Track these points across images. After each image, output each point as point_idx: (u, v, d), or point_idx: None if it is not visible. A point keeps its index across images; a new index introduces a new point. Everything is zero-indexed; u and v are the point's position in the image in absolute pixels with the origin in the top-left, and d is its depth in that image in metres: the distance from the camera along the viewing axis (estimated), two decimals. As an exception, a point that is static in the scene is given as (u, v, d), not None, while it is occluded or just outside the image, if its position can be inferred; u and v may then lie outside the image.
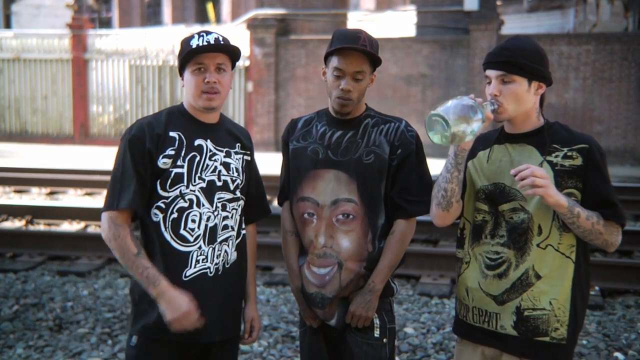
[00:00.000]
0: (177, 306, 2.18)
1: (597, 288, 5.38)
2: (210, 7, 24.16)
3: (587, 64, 14.25)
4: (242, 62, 16.07)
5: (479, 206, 2.34)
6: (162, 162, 2.28)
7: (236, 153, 2.43)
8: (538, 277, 2.23)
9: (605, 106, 14.23)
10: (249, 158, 2.49)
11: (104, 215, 2.26)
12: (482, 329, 2.33)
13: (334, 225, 2.44)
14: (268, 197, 9.44)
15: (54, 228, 7.74)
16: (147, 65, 16.63)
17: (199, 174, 2.32)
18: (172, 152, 2.29)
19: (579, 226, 2.16)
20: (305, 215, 2.50)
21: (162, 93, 16.69)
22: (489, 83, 2.25)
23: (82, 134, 17.14)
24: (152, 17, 32.40)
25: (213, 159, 2.36)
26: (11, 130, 17.78)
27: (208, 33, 2.32)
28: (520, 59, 2.19)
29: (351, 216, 2.43)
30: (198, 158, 2.33)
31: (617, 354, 4.31)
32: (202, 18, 29.33)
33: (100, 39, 17.18)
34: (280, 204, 2.67)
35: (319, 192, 2.46)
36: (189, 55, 2.29)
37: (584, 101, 14.32)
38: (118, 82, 17.04)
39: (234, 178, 2.39)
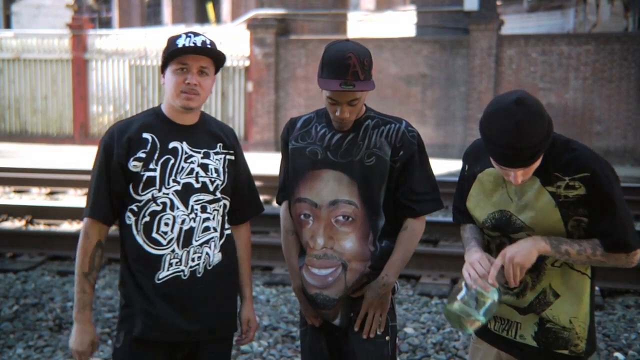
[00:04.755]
0: (81, 341, 2.33)
1: (597, 288, 5.39)
2: (210, 7, 24.16)
3: (587, 64, 14.25)
4: (242, 62, 16.08)
5: (489, 234, 2.30)
6: (132, 165, 2.28)
7: (216, 153, 2.40)
8: (556, 295, 2.21)
9: (605, 106, 14.23)
10: (232, 157, 2.46)
11: (83, 221, 2.35)
12: (500, 336, 2.32)
13: (333, 226, 2.43)
14: (268, 197, 9.36)
15: (54, 228, 7.74)
16: (147, 65, 16.62)
17: (173, 177, 2.30)
18: (144, 155, 2.28)
19: (574, 260, 2.12)
20: (302, 217, 2.49)
21: (162, 93, 16.65)
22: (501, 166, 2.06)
23: (82, 134, 17.14)
24: (152, 17, 32.40)
25: (189, 161, 2.34)
26: (11, 130, 17.78)
27: (196, 35, 2.30)
28: (539, 148, 1.98)
29: (351, 218, 2.42)
30: (172, 161, 2.31)
31: (617, 354, 4.31)
32: (202, 18, 29.33)
33: (100, 39, 17.17)
34: (279, 203, 2.66)
35: (316, 193, 2.45)
36: (173, 54, 2.27)
37: (584, 101, 14.32)
38: (118, 82, 17.04)
39: (213, 179, 2.37)
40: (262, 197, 9.96)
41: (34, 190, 10.19)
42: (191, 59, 2.28)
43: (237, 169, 2.48)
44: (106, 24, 29.35)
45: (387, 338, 2.48)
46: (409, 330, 4.67)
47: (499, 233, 2.26)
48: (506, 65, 14.59)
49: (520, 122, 1.95)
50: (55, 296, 5.30)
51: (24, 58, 17.43)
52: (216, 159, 2.40)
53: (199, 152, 2.36)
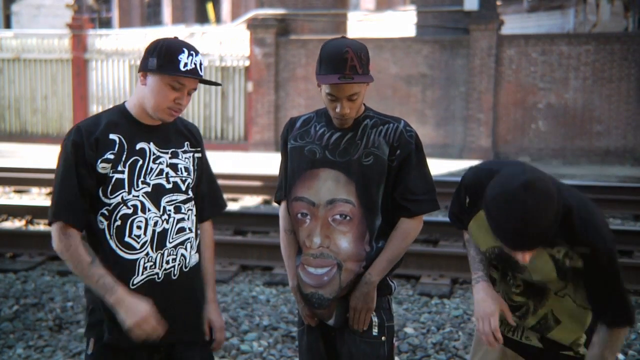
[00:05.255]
0: (135, 311, 2.13)
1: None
2: (210, 7, 24.16)
3: (587, 64, 14.25)
4: (242, 62, 16.07)
5: (491, 261, 2.28)
6: (101, 167, 2.21)
7: (184, 152, 2.37)
8: (557, 322, 2.22)
9: (605, 106, 14.23)
10: (199, 155, 2.43)
11: (53, 227, 2.24)
12: (506, 337, 2.31)
13: (330, 225, 2.43)
14: (268, 197, 9.34)
15: (54, 228, 7.73)
16: (147, 65, 16.59)
17: (142, 179, 2.25)
18: (112, 157, 2.22)
19: None
20: (299, 216, 2.49)
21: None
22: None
23: (82, 134, 17.12)
24: (152, 17, 32.39)
25: (157, 161, 2.29)
26: (11, 130, 17.78)
27: (196, 52, 2.24)
28: (550, 232, 1.88)
29: (348, 217, 2.42)
30: (140, 162, 2.26)
31: (617, 354, 4.31)
32: (202, 18, 29.33)
33: (100, 39, 17.18)
34: (277, 202, 2.66)
35: (314, 192, 2.45)
36: (176, 72, 2.20)
37: (584, 101, 14.32)
38: (118, 82, 17.04)
39: (183, 178, 2.34)
40: (262, 197, 9.95)
41: (34, 190, 10.19)
42: (189, 81, 2.24)
43: (202, 167, 2.45)
44: (106, 24, 29.35)
45: (383, 338, 2.49)
46: (409, 330, 4.67)
47: (498, 262, 2.26)
48: (506, 65, 14.59)
49: (529, 210, 1.83)
50: (55, 296, 5.30)
51: (24, 58, 17.43)
52: (185, 158, 2.37)
53: (167, 152, 2.32)
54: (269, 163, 12.55)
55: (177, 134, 2.39)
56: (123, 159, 2.24)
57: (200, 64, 2.25)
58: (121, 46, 16.94)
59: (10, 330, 4.61)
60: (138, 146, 2.27)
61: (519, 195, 1.83)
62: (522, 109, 14.58)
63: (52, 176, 8.55)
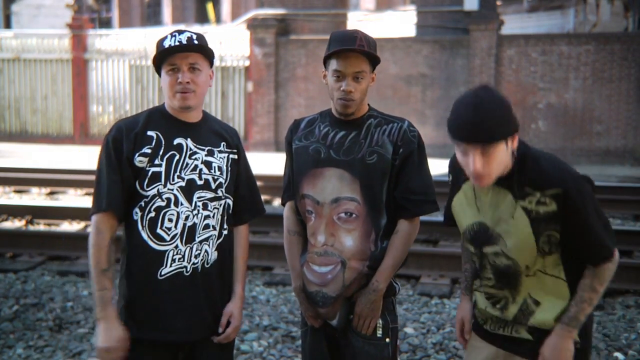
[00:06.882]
0: (110, 337, 2.23)
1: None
2: (210, 7, 24.17)
3: (587, 64, 14.25)
4: (242, 62, 16.08)
5: (469, 248, 2.31)
6: (138, 161, 2.29)
7: (220, 152, 2.42)
8: (537, 303, 2.22)
9: (605, 106, 14.23)
10: (235, 157, 2.48)
11: (92, 218, 2.32)
12: (496, 334, 2.32)
13: (335, 223, 2.44)
14: (268, 197, 9.30)
15: (54, 228, 7.74)
16: (147, 65, 16.60)
17: (178, 173, 2.32)
18: (149, 151, 2.30)
19: (594, 305, 2.17)
20: (306, 213, 2.52)
21: (162, 93, 16.67)
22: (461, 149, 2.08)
23: (82, 134, 17.14)
24: (152, 17, 32.40)
25: (193, 157, 2.35)
26: (11, 130, 17.78)
27: (181, 32, 2.32)
28: (496, 127, 2.00)
29: (354, 215, 2.44)
30: (177, 157, 2.32)
31: (617, 354, 4.31)
32: (202, 18, 29.33)
33: (100, 39, 17.18)
34: (283, 203, 2.67)
35: (319, 190, 2.47)
36: (161, 56, 2.30)
37: (584, 101, 14.32)
38: (118, 82, 17.04)
39: (215, 177, 2.38)
40: (262, 197, 9.92)
41: (34, 190, 10.19)
42: (179, 58, 2.29)
43: (240, 170, 2.49)
44: (106, 24, 29.35)
45: (387, 340, 2.49)
46: (409, 330, 4.67)
47: (474, 246, 2.27)
48: (506, 65, 14.59)
49: (482, 100, 2.01)
50: (55, 296, 5.30)
51: (24, 58, 17.43)
52: (220, 157, 2.41)
53: (203, 150, 2.38)
54: (269, 163, 12.55)
55: (214, 133, 2.45)
56: (160, 152, 2.31)
57: (189, 38, 2.30)
58: (121, 46, 16.93)
59: (10, 330, 4.61)
60: (175, 141, 2.34)
61: (475, 89, 2.07)
62: (522, 109, 14.57)
63: (51, 176, 8.61)
